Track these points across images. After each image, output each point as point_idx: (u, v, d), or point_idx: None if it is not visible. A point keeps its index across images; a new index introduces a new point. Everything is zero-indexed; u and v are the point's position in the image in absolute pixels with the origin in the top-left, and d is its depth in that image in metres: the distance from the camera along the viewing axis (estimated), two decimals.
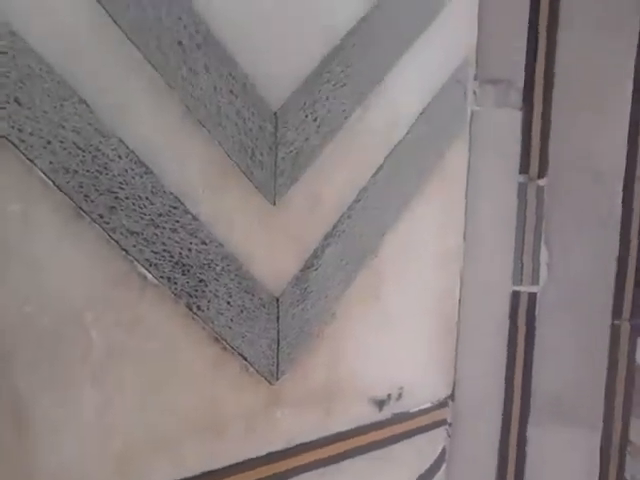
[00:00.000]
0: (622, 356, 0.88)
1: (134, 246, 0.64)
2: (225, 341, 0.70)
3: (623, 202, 0.85)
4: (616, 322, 0.87)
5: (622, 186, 0.84)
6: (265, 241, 0.72)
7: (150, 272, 0.65)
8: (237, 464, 0.73)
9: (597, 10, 0.83)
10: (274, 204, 0.71)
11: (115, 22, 0.58)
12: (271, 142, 0.70)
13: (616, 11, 0.82)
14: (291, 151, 0.72)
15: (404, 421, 0.87)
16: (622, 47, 0.82)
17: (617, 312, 0.87)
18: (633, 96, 0.83)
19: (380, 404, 0.86)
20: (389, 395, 0.86)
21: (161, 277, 0.65)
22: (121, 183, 0.63)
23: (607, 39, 0.82)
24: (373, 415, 0.84)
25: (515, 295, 0.89)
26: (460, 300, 0.89)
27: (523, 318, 0.89)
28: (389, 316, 0.84)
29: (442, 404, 0.92)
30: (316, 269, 0.75)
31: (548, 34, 0.83)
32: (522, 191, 0.87)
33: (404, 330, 0.87)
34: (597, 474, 0.91)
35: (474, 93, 0.85)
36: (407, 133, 0.79)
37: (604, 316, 0.87)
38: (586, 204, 0.86)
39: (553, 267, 0.87)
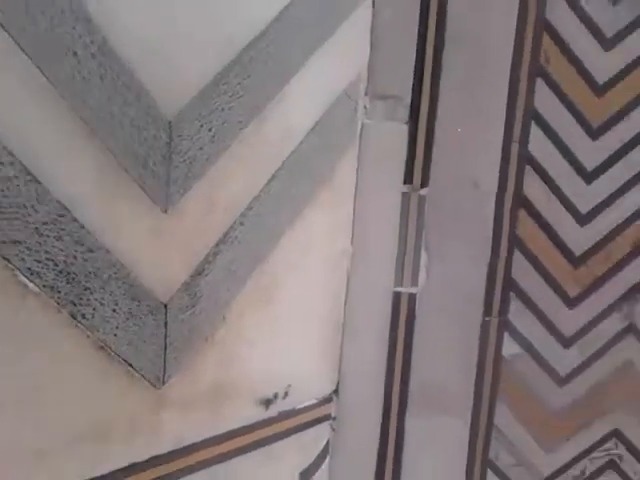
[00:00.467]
0: (490, 349, 0.97)
1: (16, 255, 0.62)
2: (110, 348, 0.69)
3: (495, 211, 0.93)
4: (486, 318, 0.96)
5: (495, 197, 0.93)
6: (155, 248, 0.72)
7: (32, 281, 0.63)
8: (122, 469, 0.74)
9: (479, 29, 0.89)
10: (166, 212, 0.71)
11: (5, 30, 0.56)
12: (165, 151, 0.70)
13: (495, 31, 0.89)
14: (185, 160, 0.72)
15: (290, 418, 0.91)
16: (499, 65, 0.89)
17: (487, 310, 0.96)
18: (507, 114, 0.90)
19: (267, 403, 0.88)
20: (276, 394, 0.89)
21: (44, 286, 0.64)
22: (3, 190, 0.61)
23: (487, 57, 0.89)
24: (260, 414, 0.88)
25: (396, 296, 0.95)
26: (346, 301, 0.94)
27: (403, 317, 0.95)
28: (280, 319, 0.87)
29: (327, 400, 0.97)
30: (207, 275, 0.76)
31: (434, 53, 0.88)
32: (405, 200, 0.92)
33: (294, 331, 0.90)
34: (465, 457, 1.01)
35: (365, 107, 0.89)
36: (300, 144, 0.81)
37: (476, 313, 0.95)
38: (463, 212, 0.92)
39: (432, 270, 0.94)
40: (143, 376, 0.74)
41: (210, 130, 0.73)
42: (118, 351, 0.72)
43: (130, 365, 0.73)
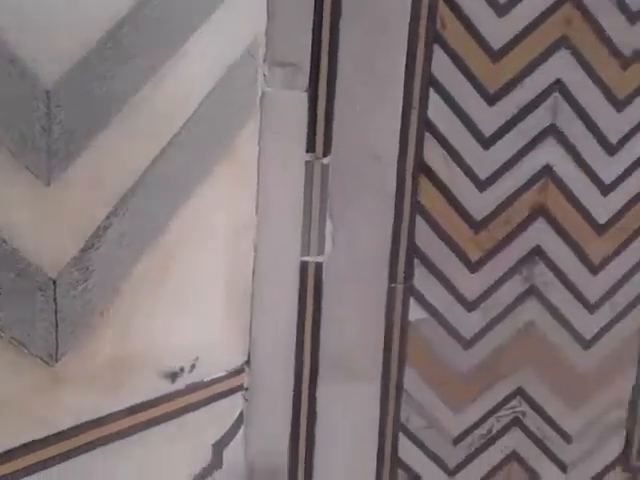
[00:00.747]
0: (397, 315, 0.98)
1: None
2: None
3: (397, 178, 0.94)
4: (392, 285, 0.97)
5: (396, 164, 0.94)
6: (39, 223, 0.69)
7: None
8: (17, 448, 0.72)
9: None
10: (49, 185, 0.68)
11: None
12: (44, 122, 0.67)
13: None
14: (66, 131, 0.70)
15: (198, 390, 0.91)
16: (396, 32, 0.89)
17: (393, 276, 0.97)
18: (405, 81, 0.91)
19: (173, 376, 0.88)
20: (182, 367, 0.89)
21: None
22: None
23: (384, 25, 0.89)
24: (165, 387, 0.87)
25: (303, 265, 0.95)
26: (254, 271, 0.94)
27: (311, 285, 0.95)
28: (182, 290, 0.86)
29: (238, 371, 0.97)
30: (98, 249, 0.74)
31: (332, 20, 0.87)
32: (309, 169, 0.92)
33: (198, 303, 0.89)
34: (377, 421, 1.03)
35: (264, 75, 0.88)
36: (195, 112, 0.79)
37: (382, 280, 0.97)
38: (365, 180, 0.93)
39: (337, 238, 0.94)
40: (34, 354, 0.72)
41: (93, 99, 0.71)
42: (6, 329, 0.70)
43: (20, 343, 0.72)
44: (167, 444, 0.90)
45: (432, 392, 1.02)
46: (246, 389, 0.97)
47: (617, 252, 1.00)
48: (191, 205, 0.83)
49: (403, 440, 1.03)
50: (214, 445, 0.97)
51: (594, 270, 1.00)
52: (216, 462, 0.98)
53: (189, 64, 0.79)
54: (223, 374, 0.94)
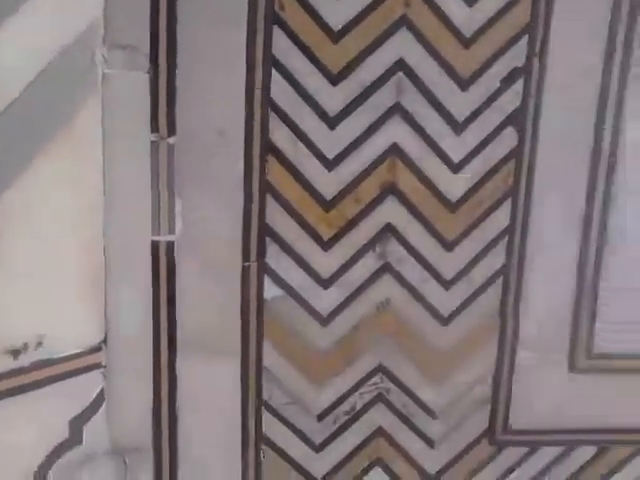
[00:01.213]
0: (253, 293, 1.00)
1: None
2: None
3: (244, 158, 0.95)
4: (246, 263, 0.99)
5: (243, 145, 0.95)
6: None
7: None
8: None
9: None
10: None
11: None
12: None
13: None
14: None
15: (47, 367, 0.93)
16: (236, 12, 0.91)
17: (246, 255, 0.99)
18: (247, 61, 0.93)
19: (15, 353, 0.90)
20: (25, 344, 0.91)
21: None
22: None
23: (223, 5, 0.90)
24: (7, 364, 0.89)
25: (155, 244, 0.97)
26: (105, 252, 0.95)
27: (164, 265, 0.97)
28: (18, 271, 0.88)
29: (95, 349, 0.98)
30: None
31: (169, 1, 0.89)
32: (154, 149, 0.94)
33: (42, 282, 0.91)
34: (240, 398, 1.04)
35: (104, 57, 0.89)
36: (22, 95, 0.81)
37: (235, 259, 0.98)
38: (213, 160, 0.95)
39: (187, 218, 0.96)
40: None
41: None
42: None
43: None
44: (14, 420, 0.92)
45: (293, 369, 1.04)
46: (104, 367, 1.00)
47: (470, 229, 1.02)
48: (23, 187, 0.85)
49: (267, 416, 1.05)
50: (71, 421, 0.99)
51: (448, 247, 1.02)
52: (75, 438, 0.99)
53: (11, 50, 0.81)
54: (76, 352, 0.96)
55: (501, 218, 1.02)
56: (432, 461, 1.11)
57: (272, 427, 1.06)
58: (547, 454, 1.13)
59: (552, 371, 1.09)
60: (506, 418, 1.11)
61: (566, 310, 1.07)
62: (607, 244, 1.04)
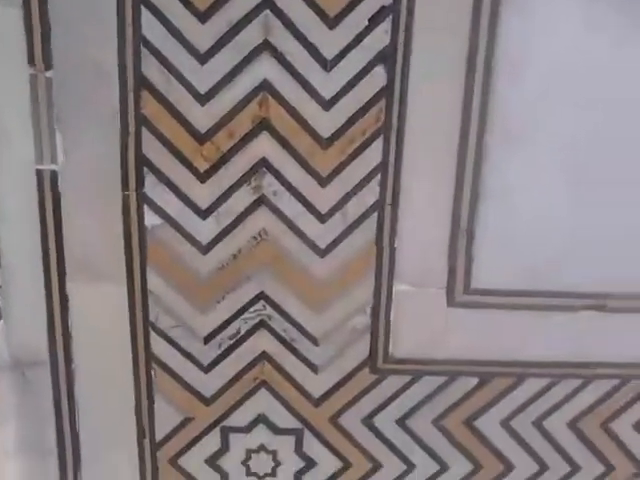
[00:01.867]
0: (134, 221, 1.06)
1: None
2: None
3: (120, 93, 1.00)
4: (125, 193, 1.05)
5: (117, 80, 1.00)
6: None
7: None
8: None
9: None
10: None
11: None
12: None
13: None
14: None
15: None
16: None
17: (125, 184, 1.04)
18: (117, 2, 0.97)
19: None
20: None
21: None
22: None
23: None
24: None
25: (39, 173, 1.03)
26: None
27: (49, 193, 1.04)
28: None
29: None
30: None
31: None
32: (33, 82, 0.99)
33: None
34: (128, 321, 1.12)
35: None
36: None
37: (115, 188, 1.04)
38: (90, 94, 1.00)
39: (67, 149, 1.02)
40: None
41: None
42: None
43: None
44: None
45: (177, 294, 1.10)
46: (0, 287, 1.08)
47: (344, 165, 1.05)
48: None
49: (155, 337, 1.13)
50: None
51: (322, 182, 1.06)
52: None
53: None
54: None
55: (373, 155, 1.06)
56: (316, 386, 1.17)
57: (161, 348, 1.14)
58: (429, 384, 1.18)
59: (430, 305, 1.13)
60: (386, 347, 1.16)
61: (442, 246, 1.10)
62: (483, 179, 1.07)
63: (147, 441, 1.18)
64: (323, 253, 1.10)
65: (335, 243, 1.09)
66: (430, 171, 1.07)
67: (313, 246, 1.09)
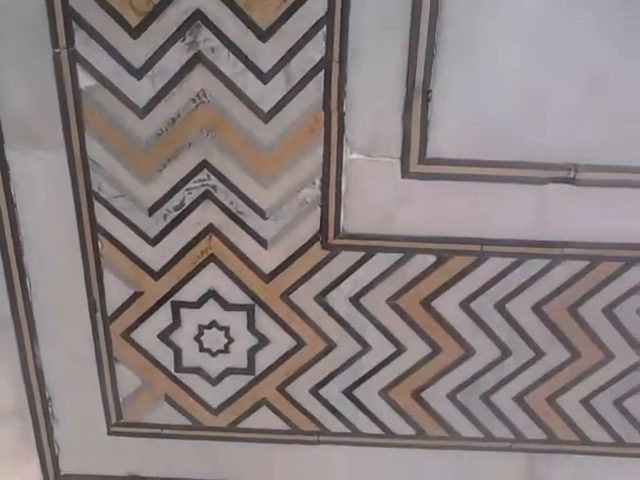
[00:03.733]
0: (68, 82, 1.01)
1: None
2: None
3: None
4: (56, 50, 0.99)
5: None
6: None
7: None
8: None
9: None
10: None
11: None
12: None
13: None
14: None
15: None
16: None
17: (54, 41, 0.99)
18: None
19: None
20: None
21: None
22: None
23: None
24: None
25: None
26: None
27: None
28: None
29: None
30: None
31: None
32: None
33: None
34: (71, 190, 1.09)
35: None
36: None
37: (45, 46, 0.99)
38: None
39: None
40: None
41: None
42: None
43: None
44: None
45: (117, 162, 1.06)
46: None
47: (286, 16, 0.97)
48: None
49: (100, 208, 1.10)
50: None
51: (263, 36, 0.98)
52: None
53: None
54: None
55: (318, 6, 0.98)
56: (266, 261, 1.13)
57: (106, 219, 1.11)
58: (383, 261, 1.13)
59: (384, 176, 1.06)
60: (337, 222, 1.10)
61: (396, 109, 1.03)
62: (440, 33, 0.98)
63: (99, 315, 1.18)
64: (267, 117, 1.03)
65: (279, 106, 1.03)
66: (381, 23, 0.98)
67: (256, 109, 1.03)
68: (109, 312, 1.17)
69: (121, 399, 1.23)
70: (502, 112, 1.02)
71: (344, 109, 1.02)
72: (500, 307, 1.15)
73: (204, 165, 1.07)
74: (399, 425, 1.24)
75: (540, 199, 1.08)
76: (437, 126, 1.03)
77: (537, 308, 1.15)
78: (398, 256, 1.12)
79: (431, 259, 1.12)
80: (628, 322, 1.16)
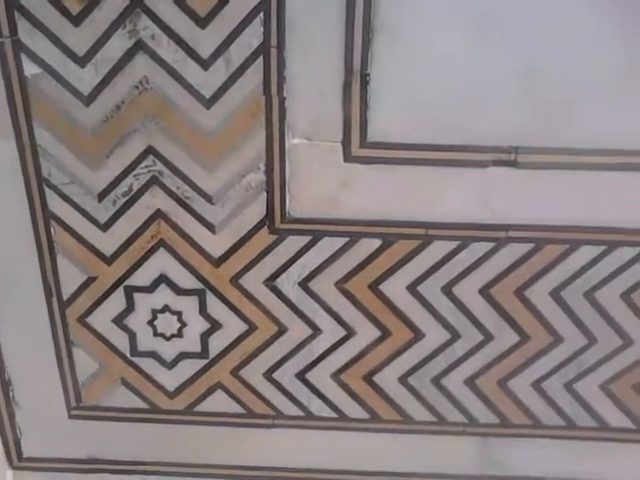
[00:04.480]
0: (13, 71, 1.03)
1: None
2: None
3: None
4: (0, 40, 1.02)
5: None
6: None
7: None
8: None
9: None
10: None
11: None
12: None
13: None
14: None
15: None
16: None
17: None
18: None
19: None
20: None
21: None
22: None
23: None
24: None
25: None
26: None
27: None
28: None
29: None
30: None
31: None
32: None
33: None
34: (22, 177, 1.11)
35: None
36: None
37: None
38: None
39: None
40: None
41: None
42: None
43: None
44: None
45: (66, 149, 1.08)
46: None
47: (222, 3, 0.99)
48: None
49: (51, 194, 1.12)
50: None
51: (201, 23, 0.99)
52: None
53: None
54: None
55: None
56: (215, 246, 1.15)
57: (57, 206, 1.13)
58: (330, 245, 1.14)
59: (326, 160, 1.07)
60: (283, 206, 1.11)
61: (336, 93, 1.04)
62: (376, 13, 0.99)
63: (55, 300, 1.20)
64: (209, 103, 1.05)
65: (220, 92, 1.04)
66: (318, 8, 0.98)
67: (198, 96, 1.04)
68: (64, 297, 1.20)
69: (80, 383, 1.26)
70: (440, 96, 1.03)
71: (284, 94, 1.04)
72: (447, 290, 1.16)
73: (150, 151, 1.09)
74: (353, 409, 1.26)
75: (483, 182, 1.08)
76: (377, 110, 1.04)
77: (484, 291, 1.16)
78: (344, 240, 1.13)
79: (377, 243, 1.13)
80: (576, 305, 1.16)
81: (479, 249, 1.12)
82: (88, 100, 1.05)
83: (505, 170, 1.07)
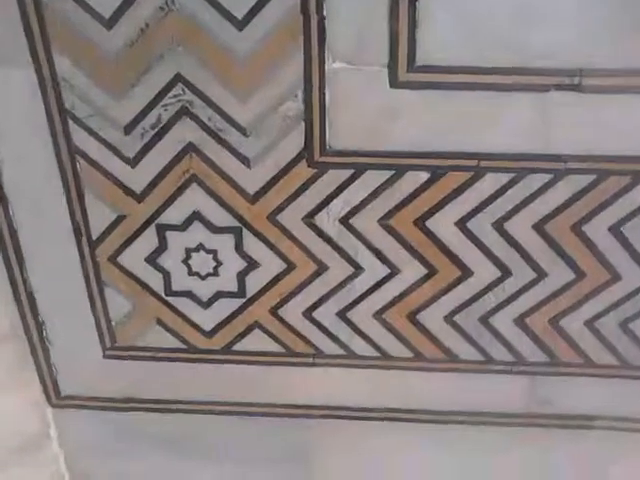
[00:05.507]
0: None
1: None
2: None
3: None
4: None
5: None
6: None
7: None
8: None
9: None
10: None
11: None
12: None
13: None
14: None
15: None
16: None
17: None
18: None
19: None
20: None
21: None
22: None
23: None
24: None
25: None
26: None
27: None
28: None
29: None
30: None
31: None
32: None
33: None
34: (43, 109, 1.04)
35: None
36: None
37: None
38: None
39: None
40: None
41: None
42: None
43: None
44: None
45: (88, 78, 1.00)
46: None
47: None
48: None
49: (75, 128, 1.05)
50: None
51: None
52: None
53: None
54: None
55: None
56: (250, 181, 1.08)
57: (82, 140, 1.06)
58: (373, 179, 1.07)
59: (370, 86, 0.98)
60: (323, 138, 1.03)
61: (381, 13, 0.93)
62: None
63: (84, 239, 1.15)
64: (241, 25, 0.95)
65: (254, 11, 0.94)
66: None
67: (229, 16, 0.95)
68: (94, 236, 1.16)
69: (114, 323, 1.24)
70: (497, 12, 0.93)
71: (324, 13, 0.95)
72: (499, 226, 1.08)
73: (178, 79, 1.00)
74: (395, 347, 1.22)
75: (543, 109, 0.99)
76: (427, 29, 0.94)
77: (538, 227, 1.08)
78: (389, 173, 1.05)
79: (424, 176, 1.05)
80: (637, 241, 1.09)
81: (535, 182, 1.04)
82: (109, 23, 0.96)
83: (568, 95, 0.98)
